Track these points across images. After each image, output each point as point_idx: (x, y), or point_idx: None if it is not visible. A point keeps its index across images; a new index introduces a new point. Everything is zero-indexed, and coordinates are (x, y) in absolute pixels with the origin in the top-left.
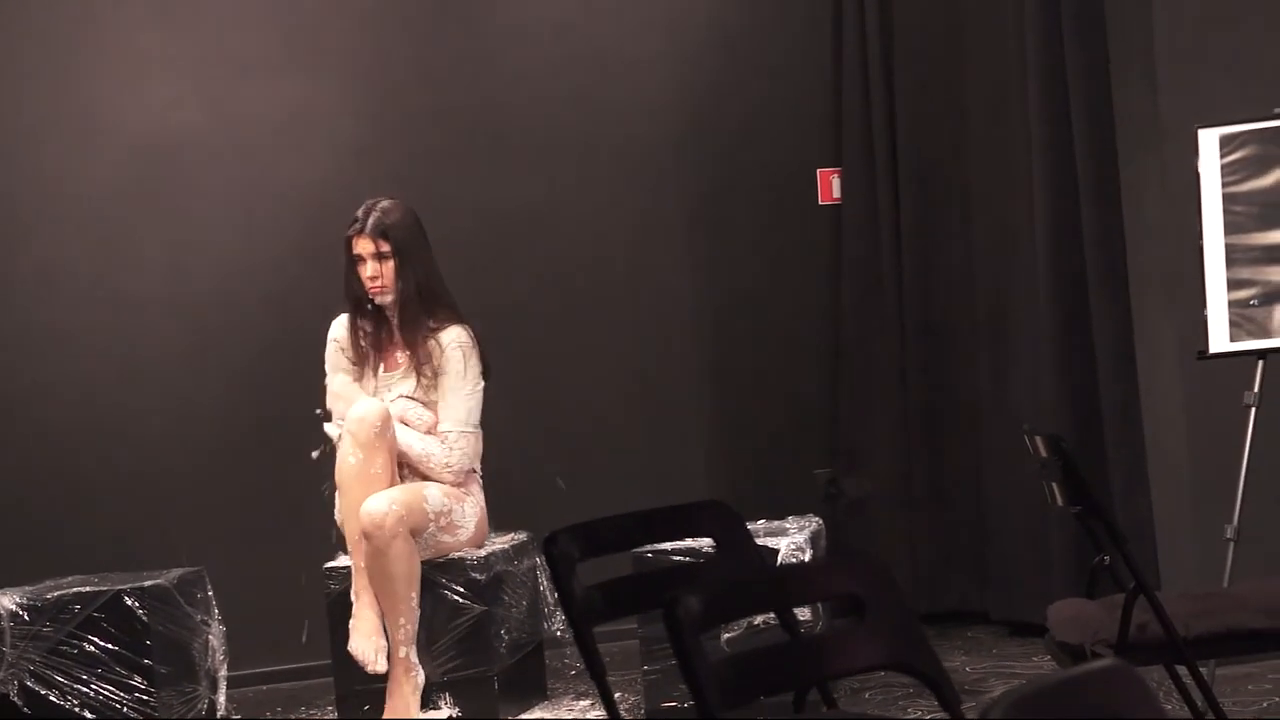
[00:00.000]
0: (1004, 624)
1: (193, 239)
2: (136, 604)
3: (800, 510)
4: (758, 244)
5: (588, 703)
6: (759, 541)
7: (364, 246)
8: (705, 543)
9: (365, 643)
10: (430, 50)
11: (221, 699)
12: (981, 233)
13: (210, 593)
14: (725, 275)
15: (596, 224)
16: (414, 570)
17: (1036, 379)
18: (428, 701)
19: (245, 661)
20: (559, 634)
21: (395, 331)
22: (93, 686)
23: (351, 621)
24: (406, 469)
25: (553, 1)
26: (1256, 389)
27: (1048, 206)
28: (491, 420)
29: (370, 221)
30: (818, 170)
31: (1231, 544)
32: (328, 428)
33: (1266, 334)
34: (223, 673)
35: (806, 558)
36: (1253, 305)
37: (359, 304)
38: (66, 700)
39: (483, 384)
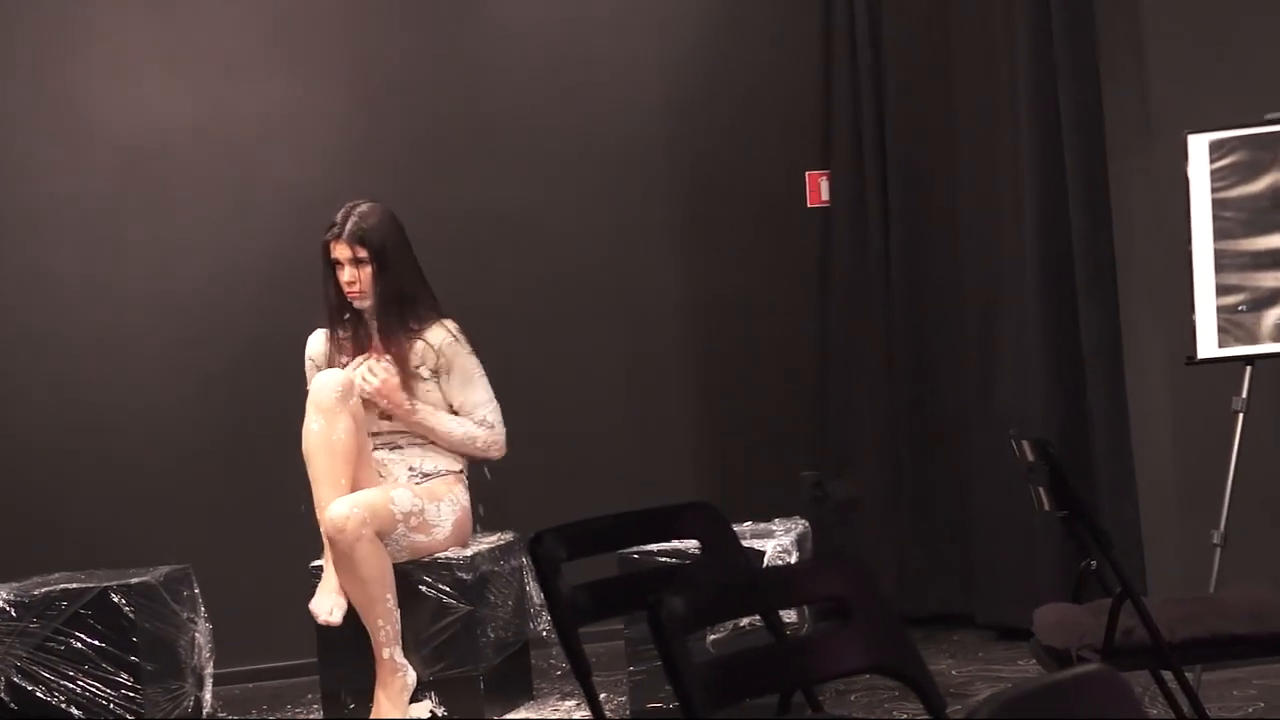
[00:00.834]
0: (990, 628)
1: (181, 238)
2: (123, 601)
3: (786, 513)
4: (746, 246)
5: (573, 703)
6: (745, 543)
7: (341, 252)
8: (691, 544)
9: (322, 598)
10: (419, 50)
11: (207, 696)
12: (970, 236)
13: (197, 590)
14: (713, 277)
15: (584, 225)
16: (384, 571)
17: (1024, 383)
18: (413, 700)
19: (231, 659)
20: (545, 634)
21: (374, 335)
22: (79, 683)
23: (319, 583)
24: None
25: (542, 3)
26: (1244, 394)
27: (1036, 211)
28: None
29: (348, 227)
30: (806, 173)
31: (1218, 549)
32: None
33: (1254, 340)
34: (209, 670)
35: (792, 560)
36: (1241, 311)
37: (336, 310)
38: (53, 697)
39: (481, 365)
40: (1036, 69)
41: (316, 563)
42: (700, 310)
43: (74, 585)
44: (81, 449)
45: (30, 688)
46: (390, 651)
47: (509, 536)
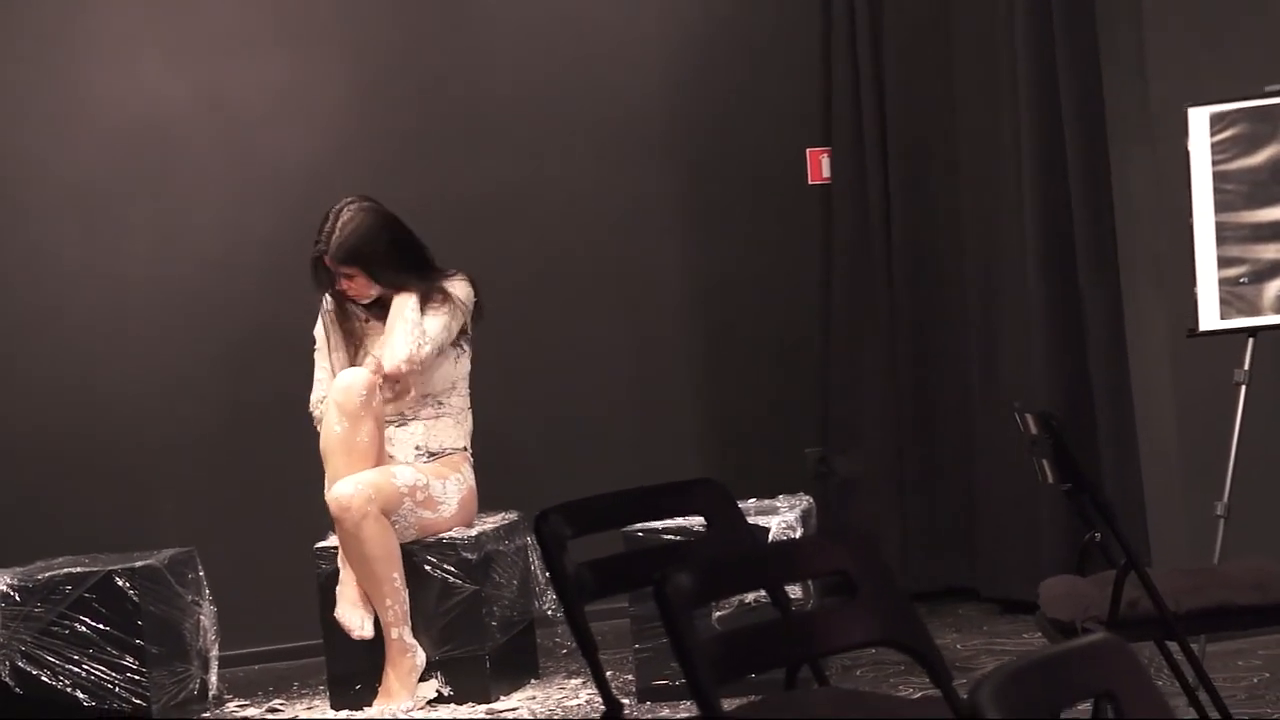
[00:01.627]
0: (995, 601)
1: (181, 219)
2: (128, 584)
3: (791, 489)
4: (747, 224)
5: (579, 681)
6: (750, 520)
7: (331, 264)
8: (696, 521)
9: (350, 609)
10: (418, 29)
11: (213, 679)
12: (971, 211)
13: (201, 573)
14: (714, 254)
15: (585, 204)
16: (390, 550)
17: (1026, 357)
18: (421, 681)
19: (236, 641)
20: (550, 613)
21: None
22: (84, 667)
23: (338, 588)
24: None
25: None
26: (1247, 367)
27: (1037, 185)
28: (481, 400)
29: (333, 246)
30: (806, 150)
31: (1222, 521)
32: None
33: (1256, 311)
34: (214, 652)
35: (797, 536)
36: (1242, 283)
37: (341, 307)
38: (58, 680)
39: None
40: (1036, 45)
41: (321, 544)
42: (702, 288)
43: (78, 569)
44: (84, 432)
45: (35, 672)
46: (399, 631)
47: (513, 516)
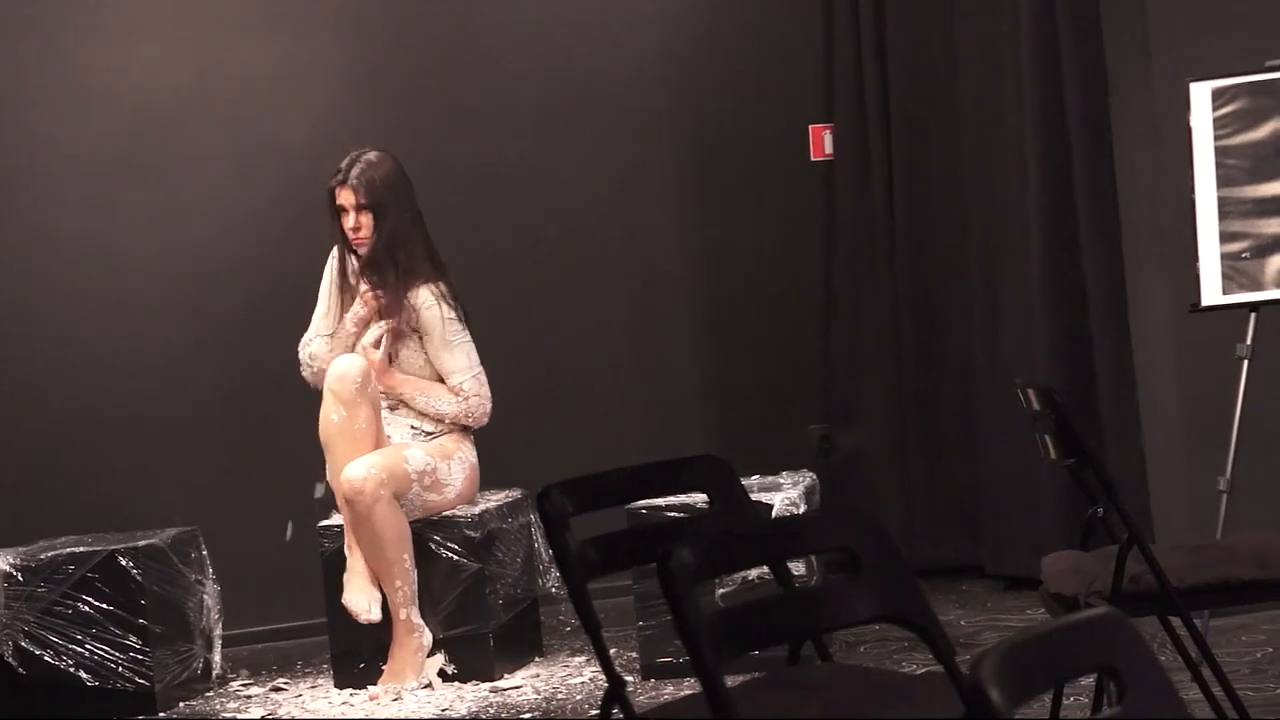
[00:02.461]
0: (998, 577)
1: (183, 199)
2: (131, 564)
3: (794, 465)
4: (749, 200)
5: (583, 659)
6: (753, 497)
7: (345, 198)
8: (699, 498)
9: (358, 595)
10: (420, 7)
11: (216, 658)
12: (974, 187)
13: (204, 552)
14: (717, 231)
15: (587, 181)
16: (402, 532)
17: (1029, 333)
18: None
19: (240, 620)
20: (554, 590)
21: (374, 281)
22: (87, 646)
23: (345, 574)
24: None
25: None
26: (1249, 341)
27: (1040, 160)
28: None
29: (352, 173)
30: (809, 126)
31: (1224, 496)
32: (318, 488)
33: (1259, 286)
34: (218, 632)
35: (800, 512)
36: (1245, 258)
37: (342, 257)
38: (61, 660)
39: (467, 330)
40: (1039, 21)
41: (325, 522)
42: (704, 264)
43: (81, 549)
44: (86, 412)
45: (38, 652)
46: (407, 612)
47: (517, 493)
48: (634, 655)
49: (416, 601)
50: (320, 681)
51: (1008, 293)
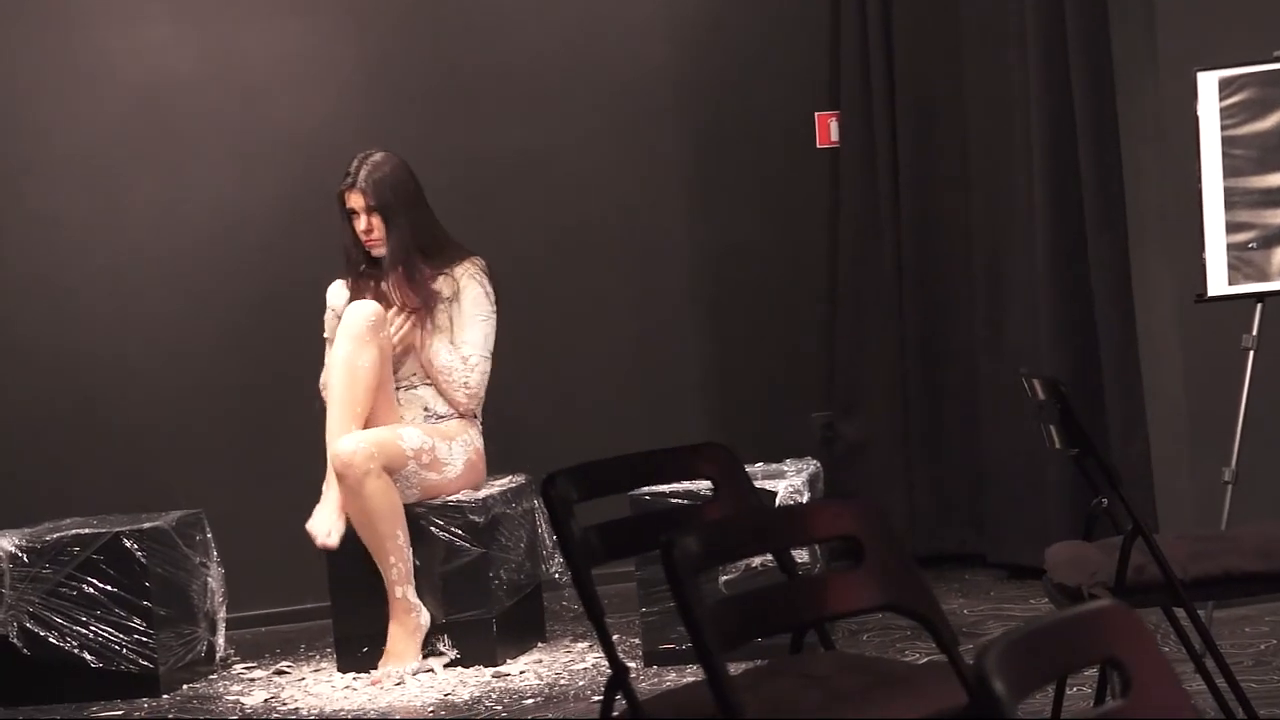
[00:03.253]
0: (1002, 567)
1: (189, 185)
2: (135, 546)
3: (798, 453)
4: (755, 188)
5: (586, 644)
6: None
7: (355, 201)
8: (703, 485)
9: (321, 518)
10: None
11: (220, 641)
12: (979, 176)
13: (209, 535)
14: (722, 219)
15: (593, 169)
16: (394, 507)
17: (1034, 322)
18: (427, 644)
19: (244, 603)
20: (557, 576)
21: (404, 281)
22: (92, 628)
23: (320, 503)
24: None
25: None
26: (1255, 332)
27: (1045, 149)
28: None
29: (360, 176)
30: (815, 114)
31: (1229, 487)
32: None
33: (1265, 277)
34: (221, 615)
35: (804, 500)
36: (1251, 249)
37: (355, 259)
38: (65, 642)
39: (495, 315)
40: (1046, 9)
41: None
42: (710, 251)
43: (86, 531)
44: (91, 395)
45: (43, 633)
46: (403, 590)
47: (520, 479)
48: (636, 642)
49: (412, 581)
50: (323, 665)
51: (1013, 281)
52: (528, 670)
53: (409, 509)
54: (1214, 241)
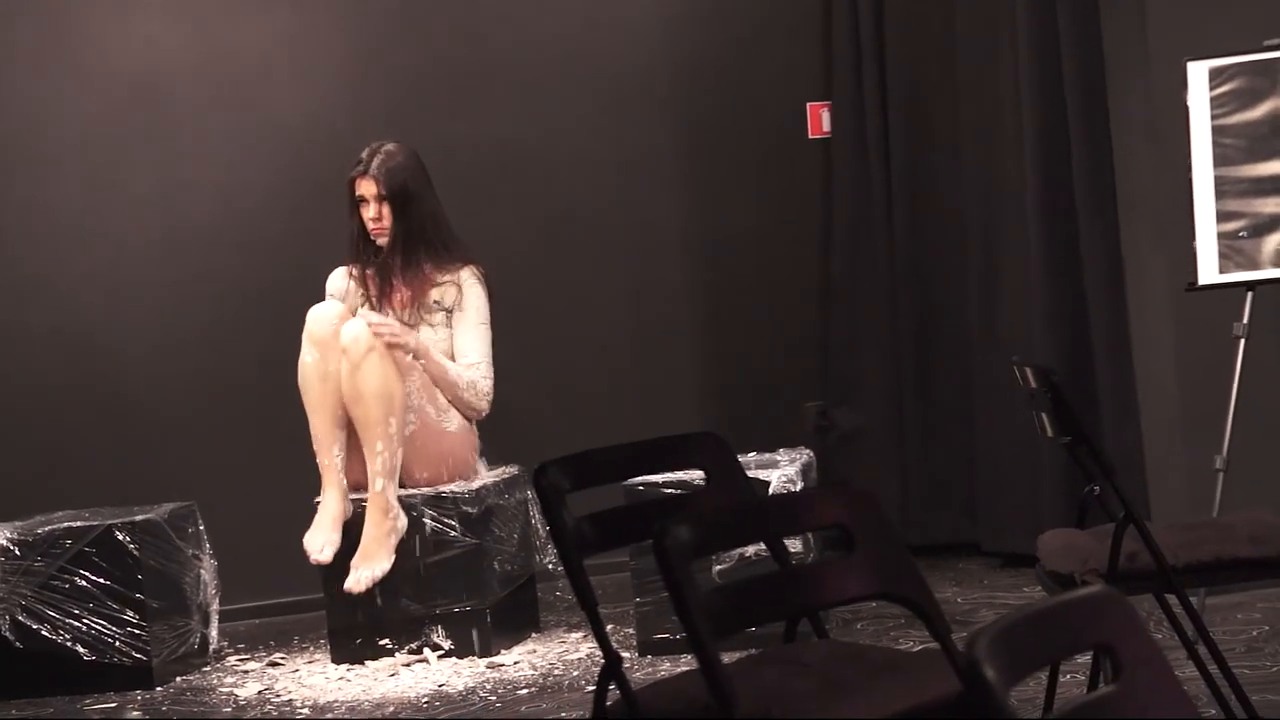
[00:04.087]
0: (995, 555)
1: (183, 175)
2: (128, 539)
3: (791, 443)
4: (747, 178)
5: (579, 635)
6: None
7: (366, 188)
8: (696, 475)
9: (316, 533)
10: None
11: (213, 633)
12: (971, 165)
13: (201, 527)
14: (715, 209)
15: (587, 159)
16: (391, 392)
17: (1026, 311)
18: (419, 635)
19: (237, 596)
20: (551, 567)
21: (399, 272)
22: (84, 621)
23: (316, 516)
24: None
25: None
26: (1246, 320)
27: (1037, 138)
28: None
29: (373, 164)
30: (807, 104)
31: (1221, 474)
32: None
33: (1255, 265)
34: (214, 607)
35: (797, 490)
36: (1242, 237)
37: (360, 247)
38: (58, 635)
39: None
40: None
41: (321, 498)
42: (702, 242)
43: (78, 523)
44: (85, 387)
45: (35, 626)
46: (384, 484)
47: (514, 470)
48: (630, 632)
49: (396, 478)
50: (317, 657)
51: (1005, 271)
52: (522, 661)
53: (404, 500)
54: (1205, 230)
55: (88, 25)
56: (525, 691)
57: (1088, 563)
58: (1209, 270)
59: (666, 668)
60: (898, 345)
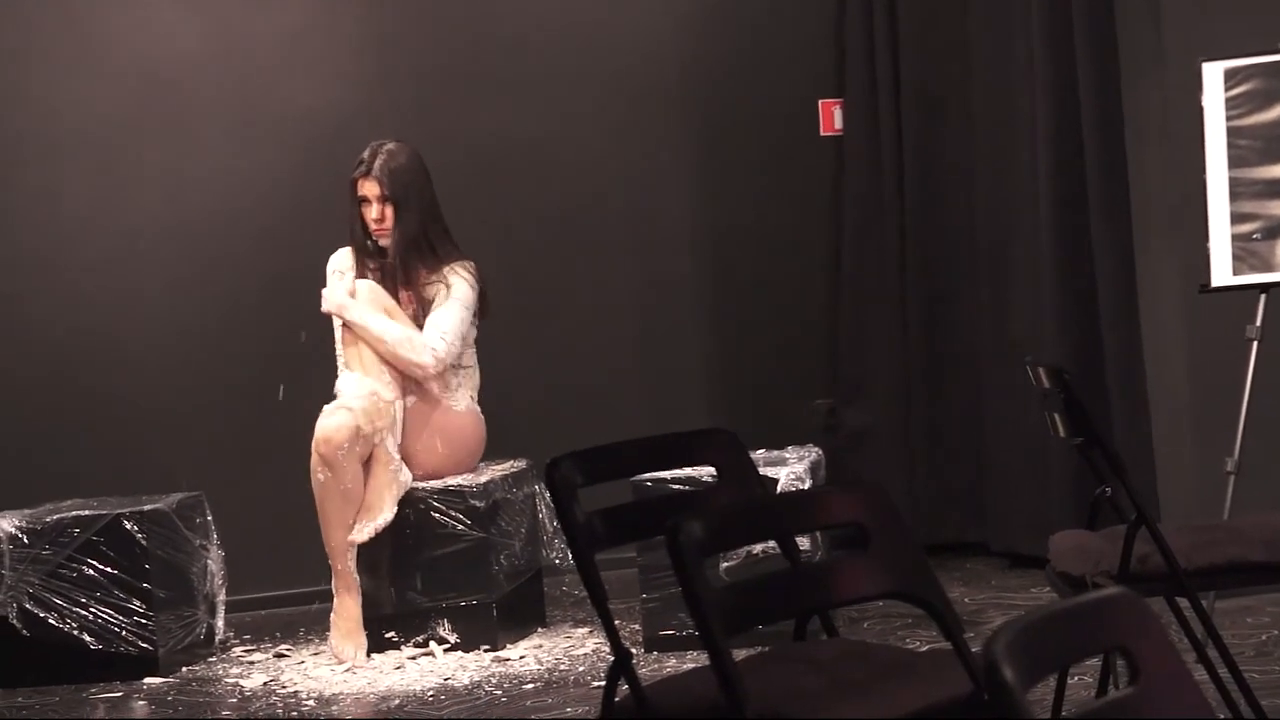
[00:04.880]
0: (1004, 555)
1: (193, 165)
2: (135, 528)
3: (800, 440)
4: (759, 176)
5: (586, 630)
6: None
7: (369, 189)
8: (706, 471)
9: (343, 640)
10: None
11: (220, 623)
12: (983, 165)
13: (209, 517)
14: (727, 207)
15: (598, 155)
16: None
17: (1038, 311)
18: (425, 628)
19: (244, 586)
20: (557, 561)
21: (400, 275)
22: (91, 610)
23: (332, 616)
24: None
25: None
26: (1259, 322)
27: (1050, 139)
28: (493, 348)
29: (376, 164)
30: (819, 101)
31: (1232, 477)
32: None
33: (1269, 268)
34: (221, 597)
35: (805, 487)
36: (1256, 239)
37: (362, 245)
38: (65, 623)
39: (475, 318)
40: None
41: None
42: (713, 238)
43: (86, 512)
44: (93, 377)
45: (42, 615)
46: (384, 436)
47: (521, 464)
48: (637, 628)
49: (399, 433)
50: (323, 649)
51: (1017, 270)
52: (528, 655)
53: (410, 494)
54: (1218, 232)
55: (101, 16)
56: (531, 686)
57: (1099, 564)
58: (1222, 272)
59: (673, 664)
60: (908, 344)
